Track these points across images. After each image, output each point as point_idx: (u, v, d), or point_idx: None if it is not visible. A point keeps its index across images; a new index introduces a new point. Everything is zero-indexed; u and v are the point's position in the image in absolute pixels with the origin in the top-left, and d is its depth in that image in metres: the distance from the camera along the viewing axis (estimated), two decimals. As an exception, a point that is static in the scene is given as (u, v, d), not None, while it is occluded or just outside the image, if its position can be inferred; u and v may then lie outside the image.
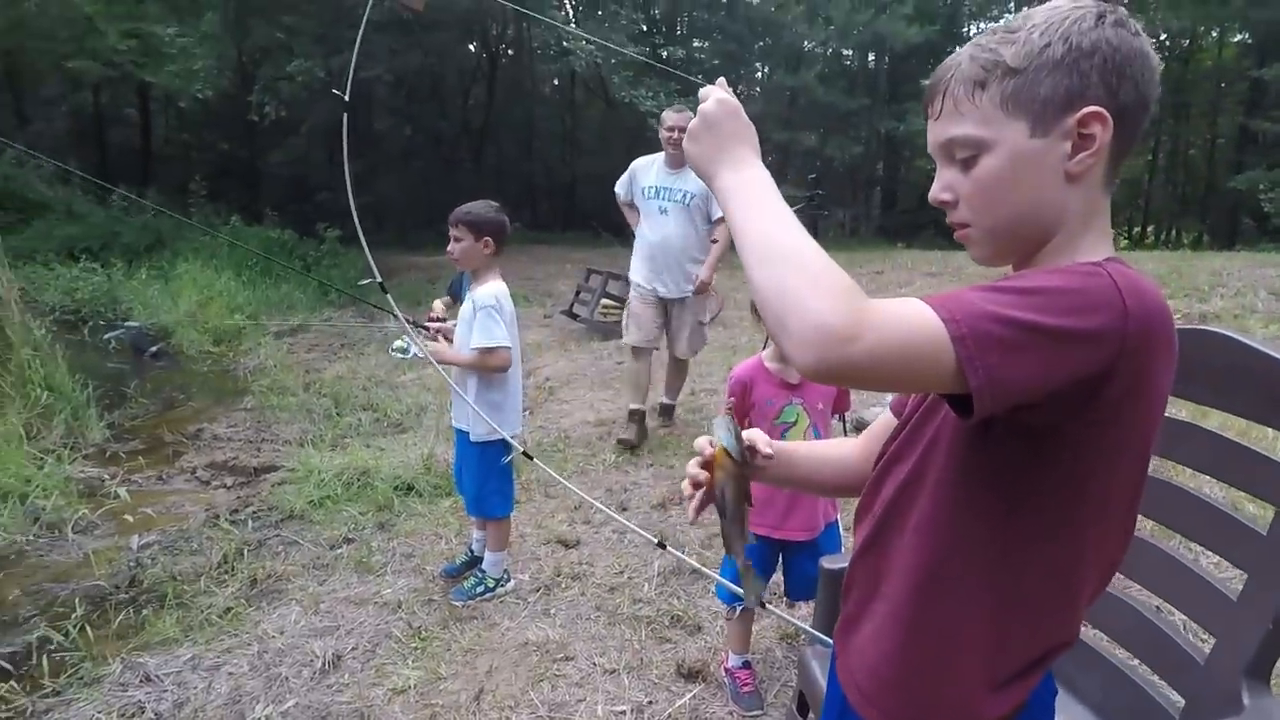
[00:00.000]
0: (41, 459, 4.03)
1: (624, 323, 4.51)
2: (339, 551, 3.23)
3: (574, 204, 23.38)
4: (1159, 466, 1.03)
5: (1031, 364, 0.65)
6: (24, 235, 11.19)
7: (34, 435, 4.35)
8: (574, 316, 8.23)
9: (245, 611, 2.77)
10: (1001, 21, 0.79)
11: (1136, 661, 1.41)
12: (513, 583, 2.84)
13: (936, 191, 0.82)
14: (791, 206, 0.75)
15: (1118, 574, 0.88)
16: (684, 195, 4.10)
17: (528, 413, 5.23)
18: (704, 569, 2.26)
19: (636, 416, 4.34)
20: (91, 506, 3.68)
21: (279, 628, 2.63)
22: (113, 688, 2.35)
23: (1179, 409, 1.59)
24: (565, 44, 15.39)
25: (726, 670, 2.25)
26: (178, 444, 4.83)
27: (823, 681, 1.32)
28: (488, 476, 2.74)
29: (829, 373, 0.64)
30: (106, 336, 8.02)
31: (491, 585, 2.78)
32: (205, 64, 13.46)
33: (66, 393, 4.89)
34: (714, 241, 4.22)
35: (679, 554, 2.31)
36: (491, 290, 2.59)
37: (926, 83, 0.83)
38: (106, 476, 4.09)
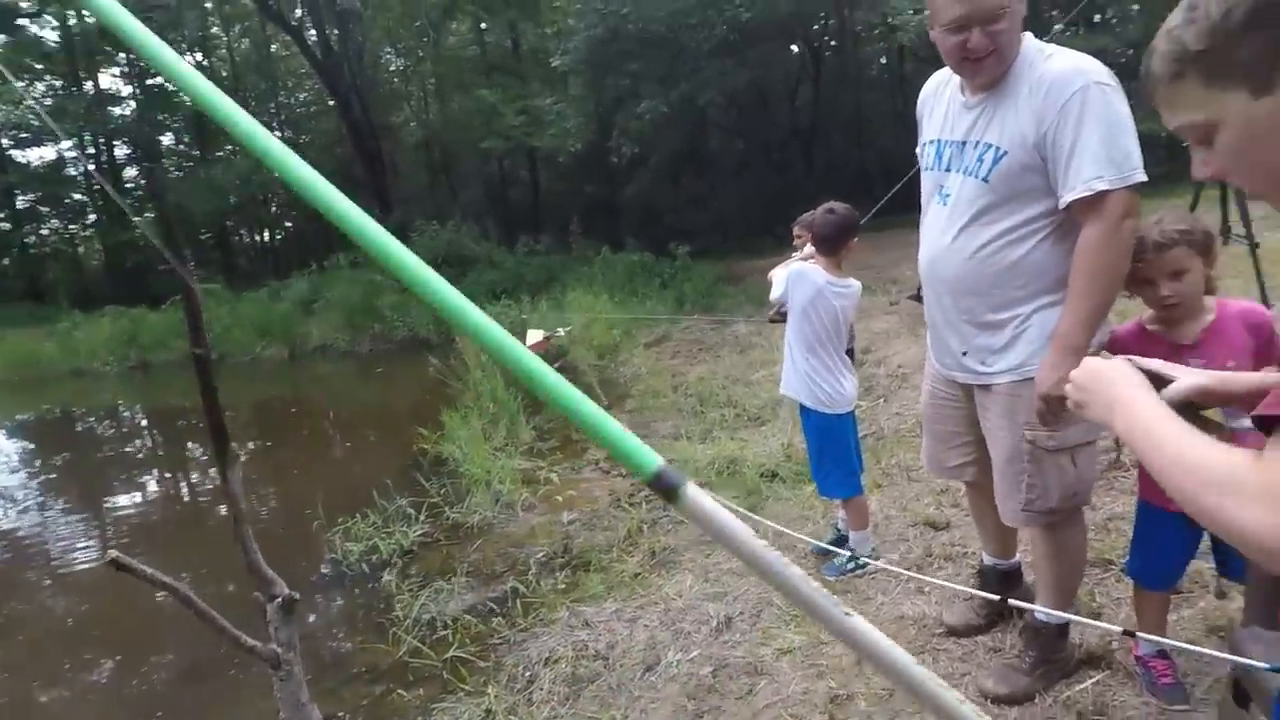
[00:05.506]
0: (495, 454, 5.21)
1: None
2: (719, 530, 3.63)
3: (914, 185, 21.92)
4: None
5: None
6: (464, 283, 14.37)
7: (488, 438, 5.63)
8: (920, 300, 7.85)
9: (650, 577, 3.29)
10: None
11: None
12: (882, 560, 2.91)
13: (1196, 171, 0.80)
14: None
15: None
16: (978, 155, 1.84)
17: (882, 400, 5.21)
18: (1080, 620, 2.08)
19: (980, 576, 2.48)
20: (530, 490, 4.67)
21: (678, 591, 3.07)
22: (563, 629, 2.99)
23: None
24: (890, 21, 14.73)
25: (1138, 659, 2.04)
26: (582, 441, 5.81)
27: (1265, 667, 1.19)
28: (821, 453, 2.96)
29: None
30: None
31: (861, 562, 2.89)
32: (575, 122, 15.94)
33: (505, 403, 6.21)
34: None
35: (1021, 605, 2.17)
36: (800, 264, 2.95)
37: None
38: (540, 465, 5.13)
